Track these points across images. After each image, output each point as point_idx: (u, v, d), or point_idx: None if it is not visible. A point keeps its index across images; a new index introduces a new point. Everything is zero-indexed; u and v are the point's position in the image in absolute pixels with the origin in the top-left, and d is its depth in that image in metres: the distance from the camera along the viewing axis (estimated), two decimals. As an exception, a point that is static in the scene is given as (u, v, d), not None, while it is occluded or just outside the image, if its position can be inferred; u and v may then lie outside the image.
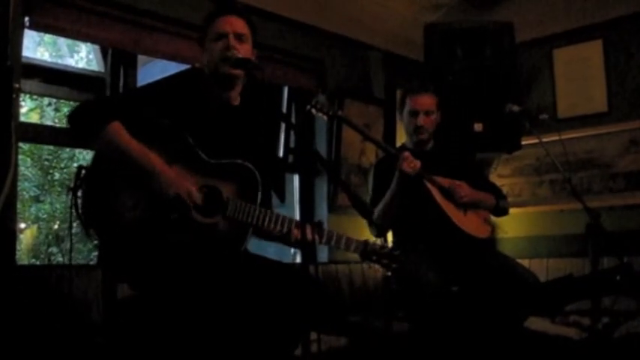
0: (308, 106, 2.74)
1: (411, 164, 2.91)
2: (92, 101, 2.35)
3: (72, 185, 2.05)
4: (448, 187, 3.05)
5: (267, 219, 2.14)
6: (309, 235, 2.03)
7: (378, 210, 3.09)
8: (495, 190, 3.31)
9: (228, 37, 2.22)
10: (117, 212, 2.04)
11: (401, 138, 3.83)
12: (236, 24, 2.25)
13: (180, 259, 2.05)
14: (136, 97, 2.32)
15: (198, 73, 2.32)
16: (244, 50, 2.23)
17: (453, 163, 3.24)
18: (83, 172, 2.06)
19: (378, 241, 2.28)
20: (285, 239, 2.24)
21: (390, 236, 3.26)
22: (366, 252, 2.23)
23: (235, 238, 2.13)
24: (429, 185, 3.01)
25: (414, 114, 3.19)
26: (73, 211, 2.04)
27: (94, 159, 2.11)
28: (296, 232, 2.18)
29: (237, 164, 2.17)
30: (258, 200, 2.16)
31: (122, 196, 2.05)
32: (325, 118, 2.77)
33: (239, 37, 2.23)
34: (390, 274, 2.26)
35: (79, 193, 2.05)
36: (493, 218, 3.35)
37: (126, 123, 2.07)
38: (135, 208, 2.05)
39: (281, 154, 4.30)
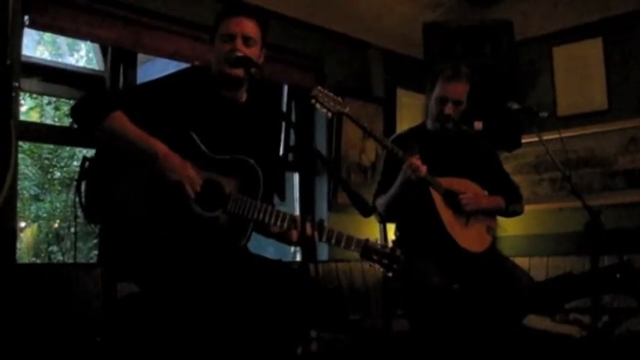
0: (312, 100, 2.64)
1: (414, 172, 2.80)
2: (95, 93, 2.36)
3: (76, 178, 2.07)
4: (455, 191, 2.96)
5: (267, 215, 2.13)
6: (308, 231, 2.01)
7: (381, 201, 3.05)
8: (510, 191, 3.18)
9: (235, 39, 2.20)
10: (119, 204, 2.05)
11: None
12: (246, 26, 2.22)
13: (181, 253, 2.05)
14: (138, 92, 2.33)
15: (200, 71, 2.32)
16: (250, 54, 2.20)
17: (471, 154, 3.15)
18: (87, 164, 2.08)
19: (379, 241, 2.27)
20: (285, 237, 2.24)
21: (391, 234, 3.26)
22: (367, 251, 2.21)
23: (236, 233, 2.13)
24: (432, 191, 2.92)
25: (443, 101, 3.02)
26: (77, 203, 2.05)
27: (97, 151, 2.12)
28: (295, 234, 2.17)
29: (240, 160, 2.17)
30: (260, 196, 2.16)
31: (125, 188, 2.07)
32: (329, 114, 2.69)
33: (247, 40, 2.21)
34: (390, 274, 2.23)
35: (83, 185, 2.06)
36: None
37: (130, 115, 2.09)
38: (137, 199, 2.06)
39: (281, 152, 4.30)
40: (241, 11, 2.26)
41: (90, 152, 2.20)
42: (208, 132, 2.17)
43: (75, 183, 2.07)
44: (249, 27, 2.23)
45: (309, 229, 2.02)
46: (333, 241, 2.20)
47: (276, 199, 4.20)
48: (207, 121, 2.20)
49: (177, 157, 2.06)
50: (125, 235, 2.06)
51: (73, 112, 2.13)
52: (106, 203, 2.06)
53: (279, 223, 2.15)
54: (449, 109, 3.02)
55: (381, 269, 2.21)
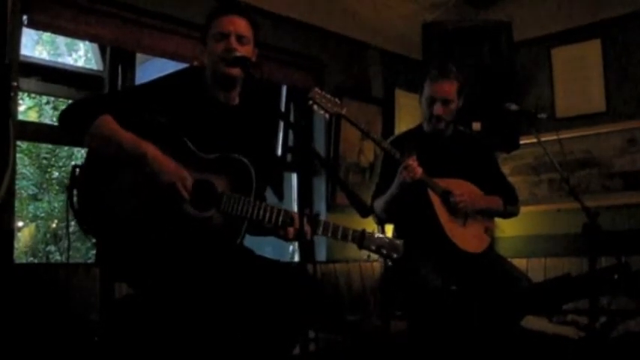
0: (310, 101, 2.66)
1: (410, 173, 2.80)
2: (82, 99, 2.36)
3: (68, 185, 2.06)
4: (452, 192, 2.95)
5: (261, 211, 2.13)
6: (306, 227, 2.00)
7: (379, 203, 3.05)
8: (507, 192, 3.18)
9: (229, 37, 2.20)
10: (111, 210, 2.04)
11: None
12: (238, 25, 2.23)
13: (176, 255, 2.05)
14: (129, 94, 2.32)
15: (197, 72, 2.32)
16: (245, 52, 2.21)
17: (469, 155, 3.14)
18: (77, 171, 2.07)
19: (376, 230, 2.26)
20: (280, 233, 2.22)
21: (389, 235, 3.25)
22: (365, 241, 2.20)
23: (231, 232, 2.12)
24: (430, 192, 2.92)
25: (431, 101, 3.02)
26: (70, 210, 2.05)
27: (87, 158, 2.11)
28: (291, 231, 2.17)
29: (231, 158, 2.16)
30: (253, 193, 2.15)
31: (116, 193, 2.05)
32: (327, 115, 2.70)
33: (240, 39, 2.22)
34: (390, 263, 2.22)
35: (75, 192, 2.05)
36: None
37: (118, 118, 2.08)
38: (129, 204, 2.05)
39: (279, 152, 4.30)
40: (233, 10, 2.26)
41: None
42: (199, 133, 2.17)
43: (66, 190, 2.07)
44: (242, 25, 2.24)
45: (306, 225, 2.01)
46: (329, 233, 2.18)
47: (274, 199, 4.23)
48: (199, 122, 2.20)
49: (167, 158, 2.05)
50: (119, 242, 2.05)
51: (61, 119, 2.11)
52: (98, 212, 2.05)
53: (274, 219, 2.14)
54: (438, 109, 3.01)
55: (381, 259, 2.20)
